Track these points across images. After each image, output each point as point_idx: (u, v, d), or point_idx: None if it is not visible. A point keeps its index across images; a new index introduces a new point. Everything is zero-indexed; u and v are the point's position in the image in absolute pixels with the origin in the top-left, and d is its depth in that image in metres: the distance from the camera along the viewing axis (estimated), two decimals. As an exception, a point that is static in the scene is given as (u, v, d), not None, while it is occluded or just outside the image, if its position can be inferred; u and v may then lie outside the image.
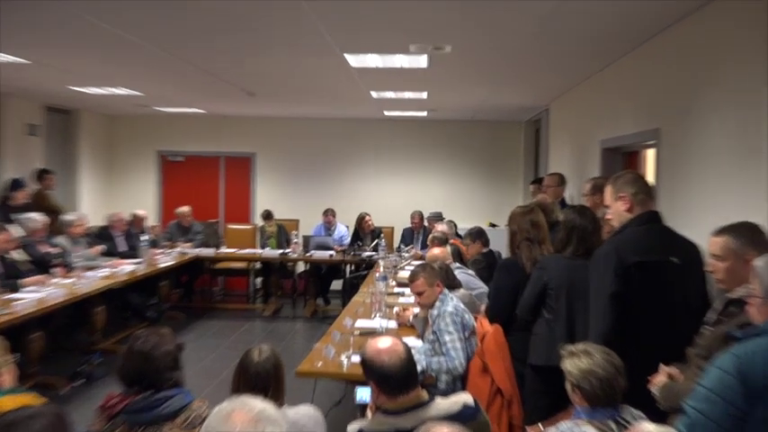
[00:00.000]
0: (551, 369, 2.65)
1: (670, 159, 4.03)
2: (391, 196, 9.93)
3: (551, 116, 7.94)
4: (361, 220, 8.70)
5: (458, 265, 5.06)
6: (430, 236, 6.29)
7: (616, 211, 2.82)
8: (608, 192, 2.86)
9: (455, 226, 7.39)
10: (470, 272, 5.01)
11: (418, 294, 3.79)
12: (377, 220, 8.90)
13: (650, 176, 4.40)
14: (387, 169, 10.10)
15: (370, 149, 10.12)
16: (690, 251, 2.76)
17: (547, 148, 8.09)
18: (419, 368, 3.06)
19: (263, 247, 8.99)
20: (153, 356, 2.26)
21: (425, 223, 8.48)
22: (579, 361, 2.20)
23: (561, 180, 5.84)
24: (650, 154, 4.90)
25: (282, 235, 9.03)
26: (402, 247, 8.35)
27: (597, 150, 5.55)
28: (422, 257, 6.70)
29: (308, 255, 8.44)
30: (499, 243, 7.12)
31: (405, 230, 8.86)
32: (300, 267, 9.19)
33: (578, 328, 3.05)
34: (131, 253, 7.51)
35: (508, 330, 3.48)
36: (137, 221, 8.21)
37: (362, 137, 10.12)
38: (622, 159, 5.43)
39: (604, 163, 5.43)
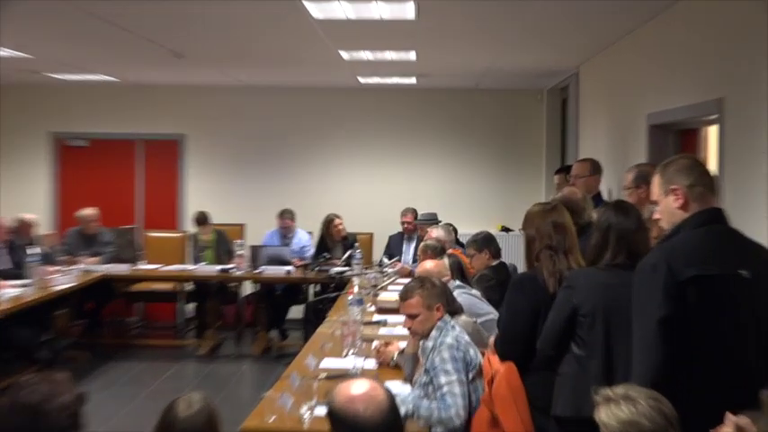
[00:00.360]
0: (582, 422, 2.66)
1: (737, 140, 4.08)
2: (369, 193, 9.95)
3: (582, 83, 8.00)
4: (328, 224, 8.70)
5: (458, 282, 5.07)
6: (421, 244, 6.30)
7: (666, 208, 2.83)
8: (656, 183, 2.88)
9: (454, 231, 7.41)
10: (475, 292, 5.04)
11: (410, 317, 3.79)
12: (350, 225, 8.90)
13: (712, 163, 4.45)
14: (362, 156, 10.13)
15: (340, 130, 10.13)
16: (763, 261, 2.79)
17: (576, 125, 8.16)
18: (402, 411, 3.06)
19: (196, 262, 8.95)
20: (44, 411, 2.25)
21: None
22: (618, 409, 2.21)
23: (595, 168, 5.89)
24: (712, 132, 4.96)
25: (222, 245, 9.00)
26: (384, 260, 8.35)
27: (643, 128, 5.61)
28: (410, 273, 6.71)
29: (257, 271, 8.42)
30: (513, 253, 7.20)
31: (392, 237, 8.87)
32: (247, 289, 9.17)
33: (618, 367, 3.07)
34: (16, 272, 7.43)
35: (525, 370, 3.49)
36: (23, 229, 8.12)
37: (330, 113, 10.13)
38: (675, 140, 5.49)
39: (652, 145, 5.49)
